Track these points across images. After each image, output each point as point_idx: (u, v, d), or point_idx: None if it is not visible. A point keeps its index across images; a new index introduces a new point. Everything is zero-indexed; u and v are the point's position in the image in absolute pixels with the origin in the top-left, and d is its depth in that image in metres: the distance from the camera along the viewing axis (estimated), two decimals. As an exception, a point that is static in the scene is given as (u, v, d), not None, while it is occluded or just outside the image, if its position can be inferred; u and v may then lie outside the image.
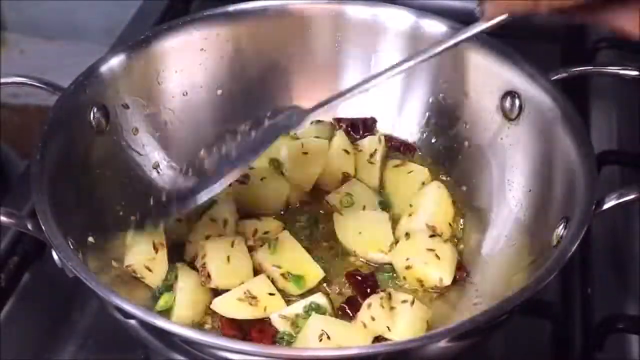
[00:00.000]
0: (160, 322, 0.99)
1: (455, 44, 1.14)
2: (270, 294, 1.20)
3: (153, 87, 1.36)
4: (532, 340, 1.28)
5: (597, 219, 1.12)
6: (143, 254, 1.22)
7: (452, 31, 1.35)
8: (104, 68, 1.30)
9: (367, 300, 1.18)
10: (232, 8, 1.40)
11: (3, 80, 1.26)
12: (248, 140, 1.21)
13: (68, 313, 1.31)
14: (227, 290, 1.20)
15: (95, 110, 1.28)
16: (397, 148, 1.42)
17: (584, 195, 1.13)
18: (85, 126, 1.27)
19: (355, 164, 1.38)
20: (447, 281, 1.23)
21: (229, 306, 1.18)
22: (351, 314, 1.20)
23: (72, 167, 1.22)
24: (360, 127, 1.43)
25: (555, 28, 1.84)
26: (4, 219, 1.12)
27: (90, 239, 1.19)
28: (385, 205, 1.35)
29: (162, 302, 1.20)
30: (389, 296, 1.18)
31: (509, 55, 1.32)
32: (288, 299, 1.22)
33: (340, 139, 1.39)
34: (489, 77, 1.32)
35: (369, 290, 1.22)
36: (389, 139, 1.42)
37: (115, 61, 1.31)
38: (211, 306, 1.19)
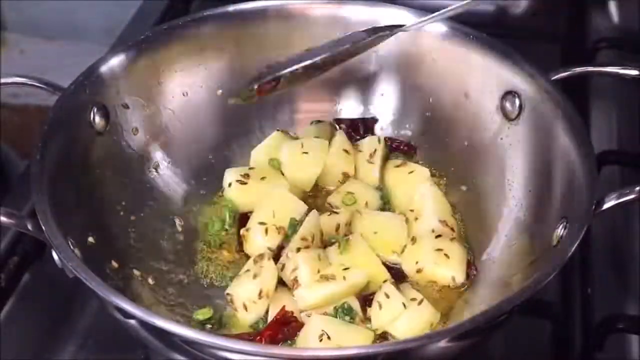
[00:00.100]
0: (160, 322, 0.99)
1: None
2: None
3: (153, 87, 1.36)
4: (532, 340, 1.28)
5: (597, 219, 1.12)
6: (248, 292, 1.21)
7: (452, 31, 1.35)
8: (104, 68, 1.30)
9: (377, 294, 1.19)
10: (232, 8, 1.40)
11: (3, 80, 1.26)
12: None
13: (68, 313, 1.31)
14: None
15: (95, 110, 1.28)
16: (398, 148, 1.42)
17: (584, 195, 1.13)
18: (85, 126, 1.27)
19: (355, 164, 1.38)
20: (460, 279, 1.23)
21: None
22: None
23: (72, 167, 1.22)
24: (360, 127, 1.43)
25: (555, 28, 1.84)
26: (4, 219, 1.12)
27: (90, 239, 1.19)
28: (386, 202, 1.35)
29: (199, 316, 1.21)
30: (399, 290, 1.19)
31: (509, 55, 1.32)
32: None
33: (340, 139, 1.39)
34: (489, 77, 1.32)
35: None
36: (389, 139, 1.42)
37: (115, 61, 1.31)
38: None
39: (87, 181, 1.24)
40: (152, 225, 1.31)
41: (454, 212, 1.33)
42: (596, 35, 1.74)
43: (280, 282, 1.23)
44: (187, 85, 1.39)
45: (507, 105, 1.31)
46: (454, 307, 1.22)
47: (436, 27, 1.37)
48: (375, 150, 1.38)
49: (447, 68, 1.38)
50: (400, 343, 1.06)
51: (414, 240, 1.27)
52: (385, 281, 1.21)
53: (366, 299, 1.21)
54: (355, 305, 1.19)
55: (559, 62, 1.71)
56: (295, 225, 1.26)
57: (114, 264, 1.21)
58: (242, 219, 1.32)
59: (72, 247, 1.09)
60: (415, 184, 1.35)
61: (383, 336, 1.18)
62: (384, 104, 1.44)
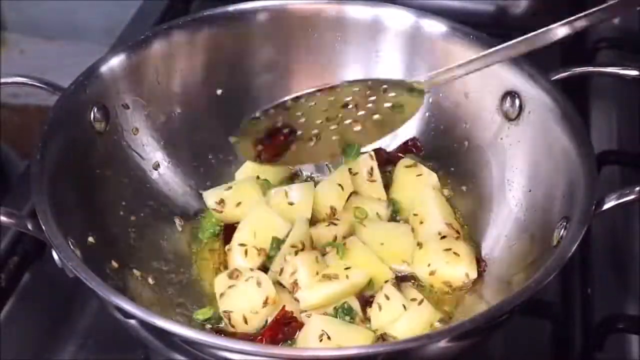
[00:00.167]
0: (161, 322, 0.99)
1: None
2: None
3: (153, 87, 1.36)
4: (532, 340, 1.28)
5: (597, 219, 1.12)
6: (248, 302, 1.18)
7: (452, 31, 1.35)
8: (104, 68, 1.30)
9: (378, 295, 1.19)
10: (232, 8, 1.40)
11: (3, 80, 1.26)
12: None
13: (68, 313, 1.31)
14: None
15: (95, 110, 1.28)
16: (410, 150, 1.40)
17: (584, 195, 1.13)
18: (85, 126, 1.27)
19: (355, 187, 1.34)
20: (474, 274, 1.24)
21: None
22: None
23: (72, 167, 1.22)
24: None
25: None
26: (4, 219, 1.12)
27: (90, 239, 1.18)
28: (395, 210, 1.34)
29: (200, 316, 1.20)
30: (400, 291, 1.19)
31: (509, 55, 1.32)
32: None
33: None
34: (489, 77, 1.32)
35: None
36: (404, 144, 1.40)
37: (115, 61, 1.31)
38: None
39: (87, 181, 1.24)
40: (152, 225, 1.31)
41: (455, 212, 1.33)
42: (596, 35, 1.74)
43: (278, 283, 1.22)
44: (187, 85, 1.39)
45: (507, 105, 1.31)
46: (454, 308, 1.22)
47: (436, 27, 1.37)
48: (372, 167, 1.35)
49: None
50: (400, 343, 1.06)
51: (420, 245, 1.27)
52: (386, 281, 1.21)
53: (366, 299, 1.21)
54: (356, 305, 1.19)
55: (559, 62, 1.70)
56: (279, 243, 1.24)
57: (114, 264, 1.21)
58: (228, 230, 1.30)
59: (72, 247, 1.09)
60: (420, 188, 1.33)
61: (383, 337, 1.18)
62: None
